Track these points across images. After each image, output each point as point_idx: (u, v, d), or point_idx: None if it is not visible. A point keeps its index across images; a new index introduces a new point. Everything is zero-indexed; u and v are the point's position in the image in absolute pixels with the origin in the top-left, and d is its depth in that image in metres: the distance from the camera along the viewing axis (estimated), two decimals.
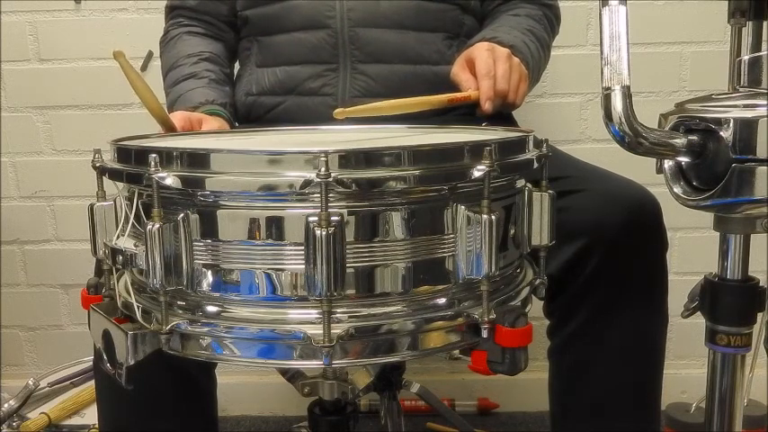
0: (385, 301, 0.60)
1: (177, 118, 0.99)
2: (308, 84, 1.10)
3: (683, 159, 0.57)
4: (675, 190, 0.58)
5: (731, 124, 0.52)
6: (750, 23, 0.67)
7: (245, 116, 1.18)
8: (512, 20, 1.15)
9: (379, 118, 0.90)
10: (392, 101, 0.90)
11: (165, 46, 1.24)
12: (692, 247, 1.61)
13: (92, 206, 0.67)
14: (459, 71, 1.01)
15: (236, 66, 1.26)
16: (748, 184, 0.52)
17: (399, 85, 1.08)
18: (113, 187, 0.68)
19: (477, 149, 0.59)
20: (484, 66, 0.97)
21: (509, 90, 0.98)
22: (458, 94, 0.99)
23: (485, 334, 0.61)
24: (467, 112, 1.10)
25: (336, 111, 0.81)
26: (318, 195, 0.54)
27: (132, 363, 0.62)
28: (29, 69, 1.61)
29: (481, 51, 0.99)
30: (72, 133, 1.64)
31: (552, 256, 0.78)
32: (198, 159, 0.58)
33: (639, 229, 0.91)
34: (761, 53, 0.56)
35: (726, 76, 0.68)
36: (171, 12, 1.25)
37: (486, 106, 0.97)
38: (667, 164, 0.59)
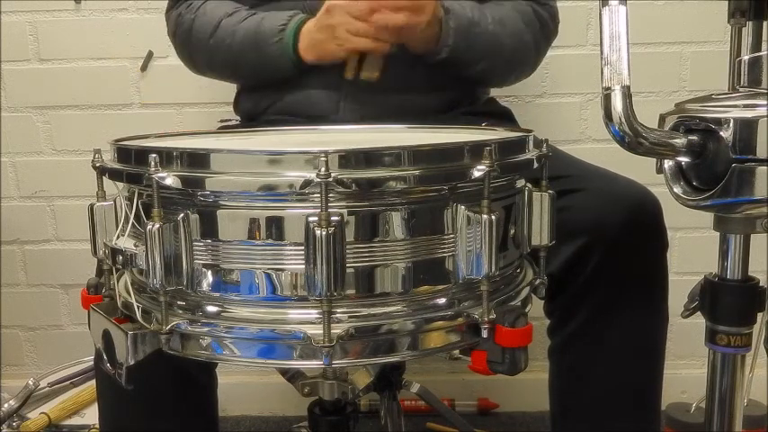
0: (385, 301, 0.60)
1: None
2: (310, 77, 1.10)
3: (683, 159, 0.57)
4: (675, 190, 0.58)
5: (731, 124, 0.52)
6: (750, 23, 0.67)
7: (249, 112, 1.18)
8: (487, 5, 1.11)
9: (380, 117, 0.90)
10: None
11: (195, 14, 1.14)
12: (692, 247, 1.61)
13: (92, 206, 0.67)
14: None
15: None
16: (748, 184, 0.52)
17: (402, 78, 1.08)
18: (113, 187, 0.67)
19: (477, 149, 0.59)
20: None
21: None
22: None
23: (485, 334, 0.61)
24: (467, 112, 1.10)
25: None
26: (318, 195, 0.54)
27: (132, 363, 0.62)
28: (29, 69, 1.61)
29: None
30: (72, 133, 1.64)
31: (552, 255, 0.78)
32: (198, 159, 0.58)
33: (640, 229, 0.91)
34: (761, 53, 0.56)
35: (726, 76, 0.68)
36: (175, 3, 1.19)
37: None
38: (667, 164, 0.59)
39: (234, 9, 1.12)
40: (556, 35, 1.22)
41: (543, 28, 1.18)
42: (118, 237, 0.65)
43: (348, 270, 0.58)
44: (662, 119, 0.59)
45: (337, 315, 0.59)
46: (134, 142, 0.71)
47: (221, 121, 1.22)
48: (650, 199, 0.93)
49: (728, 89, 0.67)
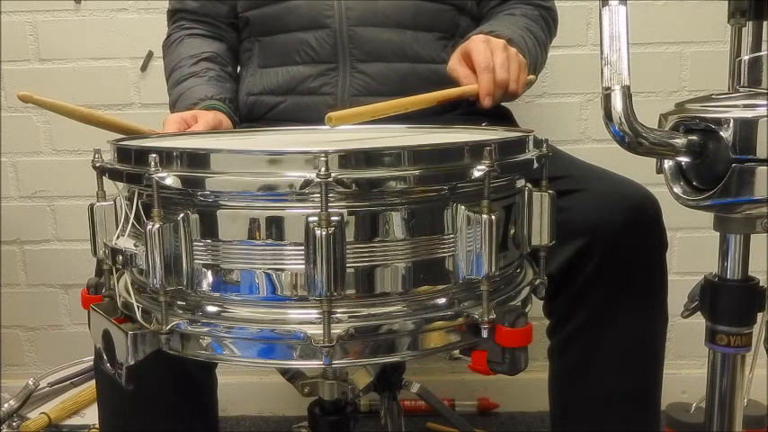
0: (385, 301, 0.60)
1: (170, 123, 0.98)
2: (308, 83, 1.11)
3: (683, 159, 0.57)
4: (675, 190, 0.58)
5: (731, 124, 0.52)
6: (750, 23, 0.67)
7: (246, 116, 1.18)
8: (508, 18, 1.15)
9: (379, 118, 0.89)
10: (386, 102, 0.89)
11: (168, 49, 1.24)
12: (692, 247, 1.61)
13: (92, 206, 0.67)
14: (456, 66, 0.99)
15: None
16: (748, 184, 0.52)
17: (399, 84, 1.08)
18: (113, 187, 0.68)
19: (477, 149, 0.59)
20: (482, 58, 0.95)
21: (509, 79, 0.96)
22: (455, 90, 0.97)
23: (485, 334, 0.61)
24: (467, 112, 1.10)
25: (328, 116, 0.75)
26: (318, 195, 0.54)
27: (132, 363, 0.62)
28: (29, 69, 1.61)
29: (477, 44, 0.97)
30: (72, 133, 1.64)
31: (552, 255, 0.78)
32: (198, 159, 0.58)
33: (639, 229, 0.91)
34: (761, 53, 0.56)
35: (726, 76, 0.68)
36: (173, 15, 1.26)
37: (486, 102, 0.95)
38: (667, 164, 0.59)
39: (186, 57, 1.18)
40: (555, 35, 1.23)
41: (549, 31, 1.19)
42: (118, 237, 0.65)
43: (348, 270, 0.58)
44: (662, 119, 0.59)
45: (337, 315, 0.59)
46: (134, 142, 0.71)
47: None
48: (650, 199, 0.93)
49: (728, 89, 0.67)
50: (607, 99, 0.53)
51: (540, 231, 0.70)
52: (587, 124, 1.62)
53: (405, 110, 0.89)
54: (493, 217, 0.58)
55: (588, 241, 0.89)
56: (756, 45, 0.66)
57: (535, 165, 0.67)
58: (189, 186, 0.59)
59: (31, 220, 1.69)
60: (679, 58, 1.58)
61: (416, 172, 0.57)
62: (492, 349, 0.61)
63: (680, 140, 0.55)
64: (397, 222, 0.59)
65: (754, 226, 0.57)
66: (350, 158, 0.56)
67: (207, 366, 0.98)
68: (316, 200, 0.55)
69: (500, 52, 0.96)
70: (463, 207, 0.60)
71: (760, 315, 0.61)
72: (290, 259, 0.58)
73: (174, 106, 1.13)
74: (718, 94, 0.58)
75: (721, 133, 0.53)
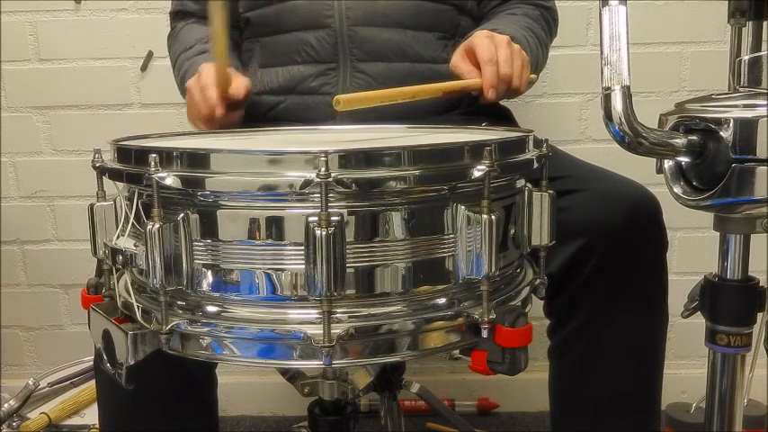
0: (385, 301, 0.60)
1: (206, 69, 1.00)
2: (308, 83, 1.11)
3: (683, 159, 0.57)
4: (675, 190, 0.58)
5: (731, 124, 0.52)
6: (750, 23, 0.67)
7: (246, 115, 1.18)
8: (510, 17, 1.15)
9: (380, 117, 0.89)
10: (392, 89, 0.88)
11: (174, 38, 1.23)
12: (692, 247, 1.61)
13: (92, 206, 0.67)
14: (459, 62, 0.99)
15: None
16: (748, 184, 0.52)
17: (399, 84, 1.08)
18: (113, 187, 0.68)
19: (477, 149, 0.59)
20: (486, 52, 0.95)
21: (513, 75, 0.96)
22: (460, 82, 0.97)
23: (485, 334, 0.61)
24: (467, 112, 1.10)
25: (336, 98, 0.78)
26: (318, 195, 0.54)
27: (132, 363, 0.62)
28: (29, 69, 1.61)
29: (481, 39, 0.97)
30: (72, 133, 1.64)
31: (552, 255, 0.78)
32: (198, 159, 0.58)
33: (639, 229, 0.91)
34: (761, 53, 0.56)
35: (726, 76, 0.68)
36: (174, 17, 1.26)
37: (490, 94, 0.95)
38: (667, 164, 0.59)
39: (193, 40, 1.16)
40: (556, 35, 1.24)
41: (550, 31, 1.19)
42: (118, 237, 0.65)
43: (348, 270, 0.58)
44: (662, 119, 0.59)
45: (337, 315, 0.59)
46: (134, 142, 0.71)
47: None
48: (650, 199, 0.93)
49: (728, 89, 0.67)
50: (607, 99, 0.53)
51: (540, 231, 0.70)
52: (587, 124, 1.62)
53: (411, 98, 0.90)
54: (493, 217, 0.59)
55: (588, 241, 0.89)
56: (756, 45, 0.67)
57: (535, 165, 0.67)
58: (189, 186, 0.59)
59: (31, 220, 1.69)
60: (679, 58, 1.58)
61: (416, 172, 0.57)
62: (492, 349, 0.61)
63: (680, 140, 0.55)
64: (397, 222, 0.59)
65: (754, 226, 0.57)
66: (350, 158, 0.56)
67: (207, 366, 0.98)
68: (316, 200, 0.55)
69: (504, 47, 0.96)
70: (463, 207, 0.60)
71: (760, 315, 0.61)
72: (290, 259, 0.58)
73: (184, 77, 1.11)
74: (718, 94, 0.58)
75: (721, 133, 0.53)
